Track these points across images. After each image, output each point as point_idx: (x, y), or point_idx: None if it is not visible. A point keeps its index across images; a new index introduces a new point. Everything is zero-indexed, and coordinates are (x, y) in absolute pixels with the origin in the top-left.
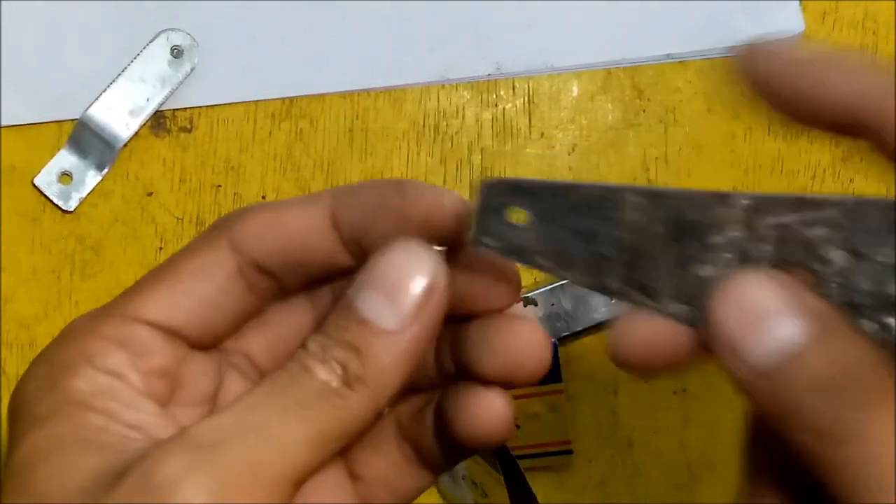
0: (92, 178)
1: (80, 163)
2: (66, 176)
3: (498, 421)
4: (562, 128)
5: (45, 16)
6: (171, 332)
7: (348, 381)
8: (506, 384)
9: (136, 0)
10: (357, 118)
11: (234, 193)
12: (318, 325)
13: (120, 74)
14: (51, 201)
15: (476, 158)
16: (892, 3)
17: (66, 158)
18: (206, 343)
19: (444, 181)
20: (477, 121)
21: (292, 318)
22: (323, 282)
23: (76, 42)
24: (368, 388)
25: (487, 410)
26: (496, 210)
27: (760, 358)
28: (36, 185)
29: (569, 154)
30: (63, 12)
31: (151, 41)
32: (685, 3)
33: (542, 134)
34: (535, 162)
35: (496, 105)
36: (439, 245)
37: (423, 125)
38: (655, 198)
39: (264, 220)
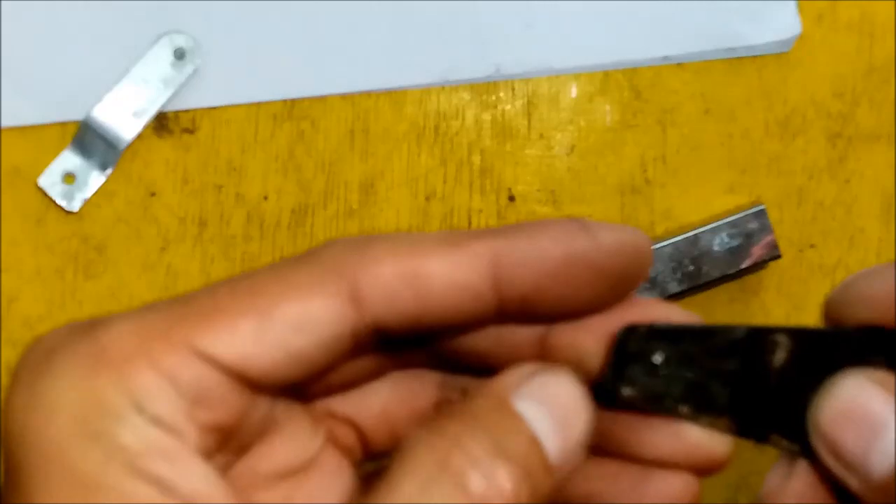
0: (95, 179)
1: (84, 164)
2: (69, 177)
3: None
4: (561, 129)
5: (47, 17)
6: (243, 380)
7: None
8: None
9: (139, 2)
10: (358, 119)
11: (236, 194)
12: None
13: (123, 76)
14: (54, 202)
15: (476, 159)
16: (890, 3)
17: (69, 159)
18: (274, 389)
19: (444, 182)
20: (476, 122)
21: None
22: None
23: (79, 44)
24: None
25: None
26: (634, 357)
27: (880, 470)
28: (40, 185)
29: (567, 155)
30: (66, 14)
31: (154, 43)
32: (683, 4)
33: (541, 135)
34: (534, 163)
35: (496, 106)
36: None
37: (424, 126)
38: (803, 337)
39: (400, 271)
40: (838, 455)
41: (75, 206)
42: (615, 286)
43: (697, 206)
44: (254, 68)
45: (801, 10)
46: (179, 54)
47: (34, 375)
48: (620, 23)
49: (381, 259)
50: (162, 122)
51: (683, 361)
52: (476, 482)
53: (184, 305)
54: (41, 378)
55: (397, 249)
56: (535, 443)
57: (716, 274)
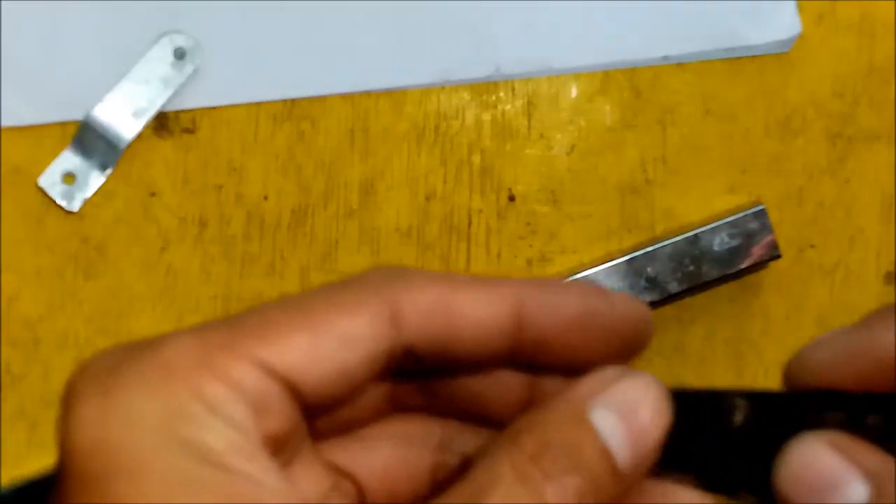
0: (95, 179)
1: (84, 164)
2: (69, 177)
3: None
4: (561, 129)
5: (47, 18)
6: (296, 393)
7: None
8: None
9: (139, 1)
10: (358, 119)
11: (236, 194)
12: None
13: (123, 76)
14: (54, 202)
15: (476, 159)
16: (890, 4)
17: (69, 159)
18: (322, 405)
19: (444, 182)
20: (476, 122)
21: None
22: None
23: (79, 44)
24: None
25: None
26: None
27: None
28: (40, 185)
29: (567, 155)
30: (66, 14)
31: (154, 43)
32: (683, 4)
33: (542, 135)
34: (533, 163)
35: (496, 106)
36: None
37: (424, 126)
38: (760, 400)
39: (437, 299)
40: None
41: (75, 206)
42: (620, 347)
43: (697, 206)
44: (254, 68)
45: (801, 10)
46: (179, 54)
47: (103, 390)
48: (620, 23)
49: (421, 286)
50: (162, 122)
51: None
52: (551, 495)
53: (240, 321)
54: (112, 392)
55: (435, 280)
56: (605, 455)
57: (716, 274)
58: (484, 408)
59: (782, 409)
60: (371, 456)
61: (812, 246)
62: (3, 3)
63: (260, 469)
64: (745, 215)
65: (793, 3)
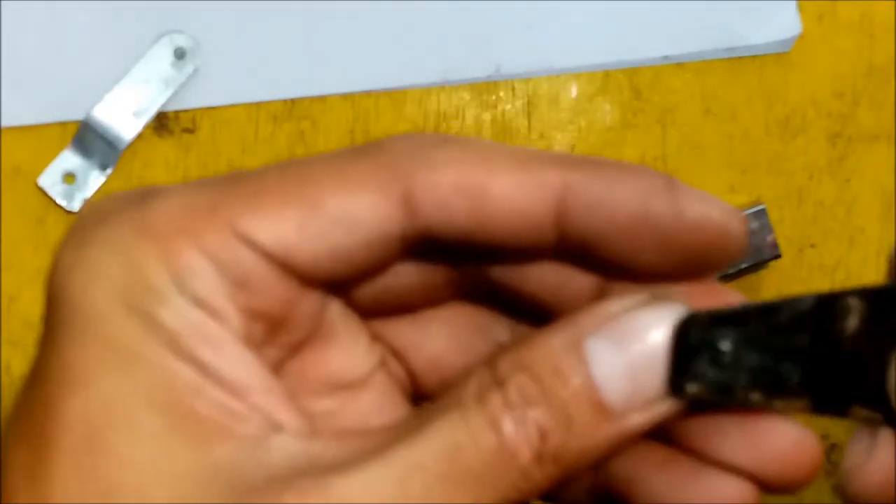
0: (96, 179)
1: (84, 163)
2: (69, 176)
3: None
4: (561, 129)
5: (47, 18)
6: (287, 269)
7: (542, 456)
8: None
9: (139, 1)
10: (358, 119)
11: None
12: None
13: (123, 76)
14: (55, 202)
15: None
16: (890, 4)
17: (69, 159)
18: (322, 284)
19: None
20: (477, 122)
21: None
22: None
23: (79, 44)
24: (557, 469)
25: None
26: (697, 348)
27: None
28: (40, 185)
29: None
30: (66, 14)
31: (154, 43)
32: (683, 4)
33: (542, 135)
34: None
35: (496, 106)
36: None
37: (424, 126)
38: (877, 297)
39: (460, 183)
40: None
41: (75, 205)
42: (690, 263)
43: None
44: (254, 68)
45: (801, 10)
46: (179, 54)
47: (82, 237)
48: (620, 23)
49: (443, 166)
50: (162, 122)
51: (750, 345)
52: (508, 427)
53: (232, 186)
54: (87, 241)
55: (464, 158)
56: (589, 389)
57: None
58: (550, 309)
59: None
60: (424, 339)
61: (812, 246)
62: (3, 3)
63: (219, 356)
64: (746, 215)
65: (793, 3)
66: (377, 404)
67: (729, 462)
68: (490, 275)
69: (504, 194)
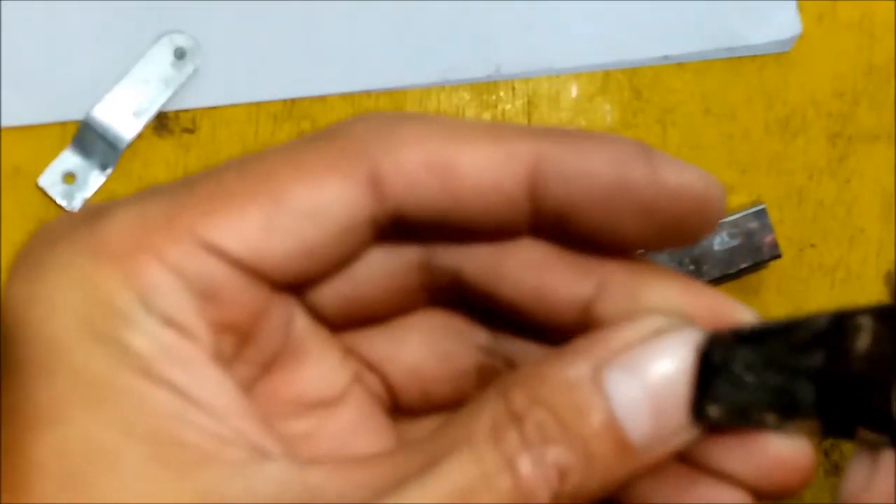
0: (96, 179)
1: (84, 163)
2: (69, 176)
3: None
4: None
5: (47, 18)
6: (256, 274)
7: (559, 496)
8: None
9: (139, 1)
10: None
11: None
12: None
13: (123, 76)
14: (55, 202)
15: None
16: (890, 4)
17: (69, 159)
18: (292, 285)
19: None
20: None
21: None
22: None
23: (79, 44)
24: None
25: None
26: (719, 369)
27: None
28: (40, 185)
29: None
30: (66, 14)
31: (154, 43)
32: (683, 4)
33: None
34: None
35: (496, 106)
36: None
37: None
38: (885, 317)
39: (428, 159)
40: None
41: (76, 205)
42: (668, 231)
43: None
44: (254, 68)
45: (801, 10)
46: (179, 54)
47: (34, 266)
48: (620, 23)
49: (409, 143)
50: (162, 122)
51: (768, 365)
52: (524, 467)
53: (188, 191)
54: (41, 270)
55: (429, 134)
56: (612, 427)
57: (716, 274)
58: (528, 306)
59: None
60: (399, 348)
61: (812, 245)
62: (3, 3)
63: (194, 377)
64: (746, 215)
65: (793, 3)
66: (355, 423)
67: (724, 471)
68: (465, 273)
69: (474, 168)
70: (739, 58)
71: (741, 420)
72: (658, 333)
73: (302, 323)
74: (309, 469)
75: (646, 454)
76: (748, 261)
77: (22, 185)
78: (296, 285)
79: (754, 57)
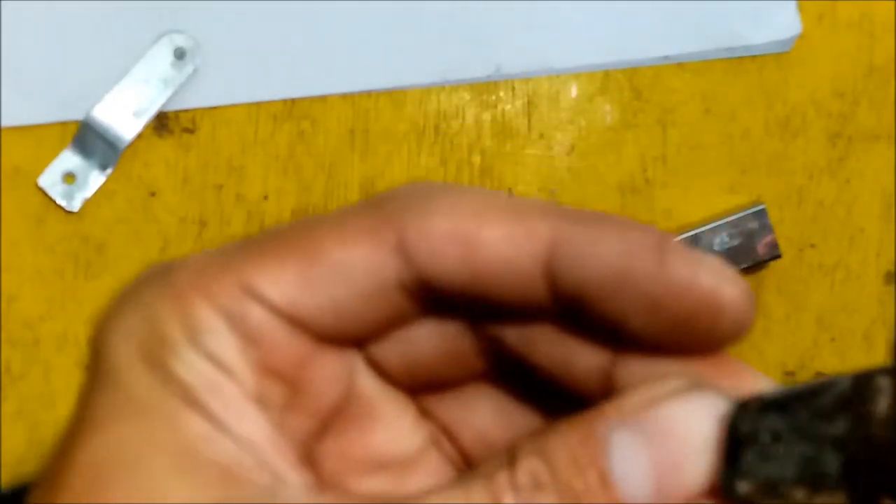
0: (96, 179)
1: (84, 163)
2: (69, 176)
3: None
4: (561, 129)
5: (47, 18)
6: (297, 325)
7: None
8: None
9: (139, 1)
10: (358, 119)
11: (237, 194)
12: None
13: (123, 76)
14: (55, 202)
15: (476, 159)
16: (890, 4)
17: (69, 159)
18: (335, 342)
19: (445, 181)
20: (477, 122)
21: (444, 333)
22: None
23: (79, 44)
24: None
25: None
26: (747, 440)
27: None
28: (40, 185)
29: (567, 155)
30: (66, 14)
31: (154, 43)
32: (683, 4)
33: (542, 135)
34: (534, 163)
35: (496, 106)
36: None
37: (424, 126)
38: None
39: (451, 231)
40: None
41: (75, 205)
42: (681, 331)
43: (697, 206)
44: (254, 68)
45: (801, 10)
46: (179, 54)
47: (121, 301)
48: (620, 23)
49: (438, 213)
50: (162, 122)
51: (795, 434)
52: (509, 500)
53: (245, 244)
54: (123, 305)
55: (456, 207)
56: (606, 482)
57: None
58: (559, 376)
59: None
60: (469, 413)
61: (812, 246)
62: (3, 3)
63: (230, 411)
64: (746, 215)
65: (793, 3)
66: (429, 485)
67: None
68: (506, 342)
69: (493, 243)
70: (739, 58)
71: (771, 496)
72: (671, 396)
73: (370, 382)
74: (327, 495)
75: None
76: (748, 261)
77: (22, 185)
78: (340, 341)
79: (754, 57)
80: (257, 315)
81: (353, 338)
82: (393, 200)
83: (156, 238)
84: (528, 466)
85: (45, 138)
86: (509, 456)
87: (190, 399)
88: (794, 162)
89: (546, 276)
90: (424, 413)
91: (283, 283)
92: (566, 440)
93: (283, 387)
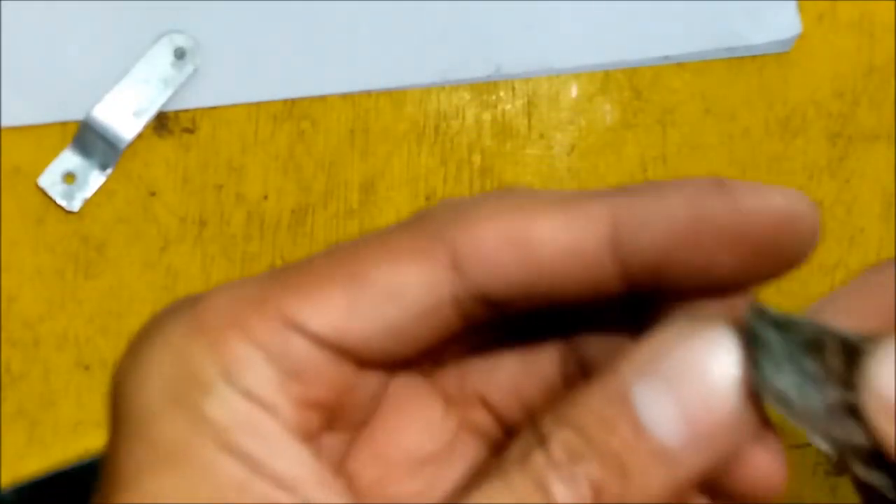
0: (96, 179)
1: (84, 163)
2: (69, 176)
3: None
4: (561, 129)
5: (47, 18)
6: (341, 353)
7: None
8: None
9: (139, 1)
10: (358, 119)
11: (236, 194)
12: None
13: (123, 76)
14: (55, 202)
15: (476, 159)
16: (890, 4)
17: (69, 159)
18: (379, 364)
19: (444, 182)
20: (477, 121)
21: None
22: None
23: (79, 44)
24: None
25: None
26: (766, 345)
27: None
28: (40, 185)
29: (568, 155)
30: (66, 14)
31: (154, 43)
32: (683, 4)
33: (542, 135)
34: (534, 163)
35: (496, 106)
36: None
37: (424, 126)
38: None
39: (505, 233)
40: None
41: (75, 205)
42: (766, 258)
43: None
44: (254, 68)
45: (801, 10)
46: (179, 54)
47: (138, 342)
48: (620, 23)
49: (483, 221)
50: (162, 122)
51: (804, 350)
52: (557, 487)
53: (280, 275)
54: (142, 345)
55: (501, 210)
56: (639, 432)
57: None
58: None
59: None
60: (497, 373)
61: None
62: (3, 3)
63: (269, 449)
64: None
65: (793, 3)
66: (466, 473)
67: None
68: (568, 343)
69: (552, 236)
70: (739, 58)
71: (809, 383)
72: (679, 336)
73: (398, 380)
74: None
75: (690, 459)
76: None
77: (22, 185)
78: (383, 364)
79: (754, 57)
80: (299, 348)
81: (401, 358)
82: (433, 217)
83: (156, 238)
84: (561, 439)
85: (45, 138)
86: (537, 435)
87: (224, 442)
88: (794, 162)
89: (614, 256)
90: (450, 398)
91: (327, 311)
92: (590, 405)
93: (323, 414)
